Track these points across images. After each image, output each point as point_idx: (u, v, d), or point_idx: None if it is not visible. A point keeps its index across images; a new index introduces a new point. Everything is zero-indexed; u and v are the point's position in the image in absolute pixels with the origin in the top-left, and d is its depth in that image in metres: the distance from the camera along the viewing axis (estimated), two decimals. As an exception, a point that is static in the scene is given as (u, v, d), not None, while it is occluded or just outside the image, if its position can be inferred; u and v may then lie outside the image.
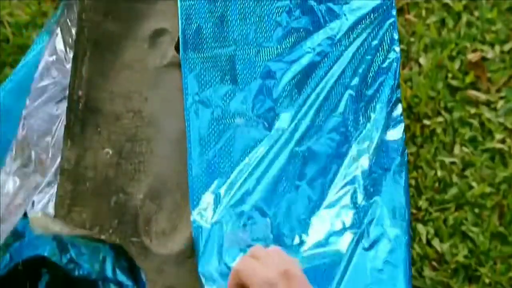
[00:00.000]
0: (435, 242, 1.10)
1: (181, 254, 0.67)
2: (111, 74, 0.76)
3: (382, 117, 0.71)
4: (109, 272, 0.58)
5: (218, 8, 0.76)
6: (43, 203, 0.70)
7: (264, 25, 0.76)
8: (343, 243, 0.66)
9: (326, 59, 0.74)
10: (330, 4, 0.76)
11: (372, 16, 0.75)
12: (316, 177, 0.70)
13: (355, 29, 0.75)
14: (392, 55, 0.74)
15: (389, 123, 0.72)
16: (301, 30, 0.75)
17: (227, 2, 0.76)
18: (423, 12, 1.27)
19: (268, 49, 0.75)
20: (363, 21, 0.75)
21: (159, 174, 0.71)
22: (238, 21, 0.76)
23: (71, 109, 0.73)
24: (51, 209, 0.69)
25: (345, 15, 0.75)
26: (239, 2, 0.76)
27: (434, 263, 1.09)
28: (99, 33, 0.77)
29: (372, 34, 0.75)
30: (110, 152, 0.72)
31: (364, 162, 0.70)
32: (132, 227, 0.69)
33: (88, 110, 0.74)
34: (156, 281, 0.65)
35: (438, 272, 1.08)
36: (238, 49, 0.75)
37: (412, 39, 1.25)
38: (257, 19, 0.76)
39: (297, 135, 0.71)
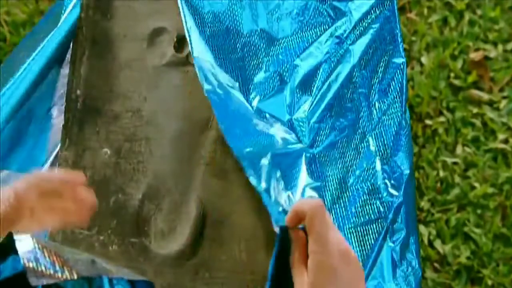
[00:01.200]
0: (437, 244, 1.09)
1: (180, 254, 0.66)
2: (109, 74, 0.75)
3: (396, 110, 0.72)
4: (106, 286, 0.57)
5: (225, 20, 0.76)
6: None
7: (271, 32, 0.76)
8: (370, 238, 0.67)
9: (335, 58, 0.74)
10: (336, 3, 0.76)
11: (377, 11, 0.75)
12: (337, 175, 0.69)
13: (361, 26, 0.75)
14: (398, 49, 0.74)
15: (401, 116, 0.72)
16: (309, 32, 0.75)
17: (233, 13, 0.76)
18: (425, 11, 1.27)
19: (277, 54, 0.75)
20: (368, 16, 0.75)
21: (158, 174, 0.70)
22: (245, 31, 0.76)
23: (69, 108, 0.73)
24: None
25: (350, 12, 0.75)
26: (245, 12, 0.76)
27: (436, 265, 1.08)
28: (98, 32, 0.76)
29: (377, 30, 0.74)
30: (109, 152, 0.72)
31: (383, 157, 0.70)
32: (131, 228, 0.68)
33: (86, 110, 0.73)
34: (155, 281, 0.64)
35: (440, 274, 1.07)
36: (247, 57, 0.75)
37: (414, 38, 1.24)
38: (264, 27, 0.76)
39: (313, 136, 0.70)
